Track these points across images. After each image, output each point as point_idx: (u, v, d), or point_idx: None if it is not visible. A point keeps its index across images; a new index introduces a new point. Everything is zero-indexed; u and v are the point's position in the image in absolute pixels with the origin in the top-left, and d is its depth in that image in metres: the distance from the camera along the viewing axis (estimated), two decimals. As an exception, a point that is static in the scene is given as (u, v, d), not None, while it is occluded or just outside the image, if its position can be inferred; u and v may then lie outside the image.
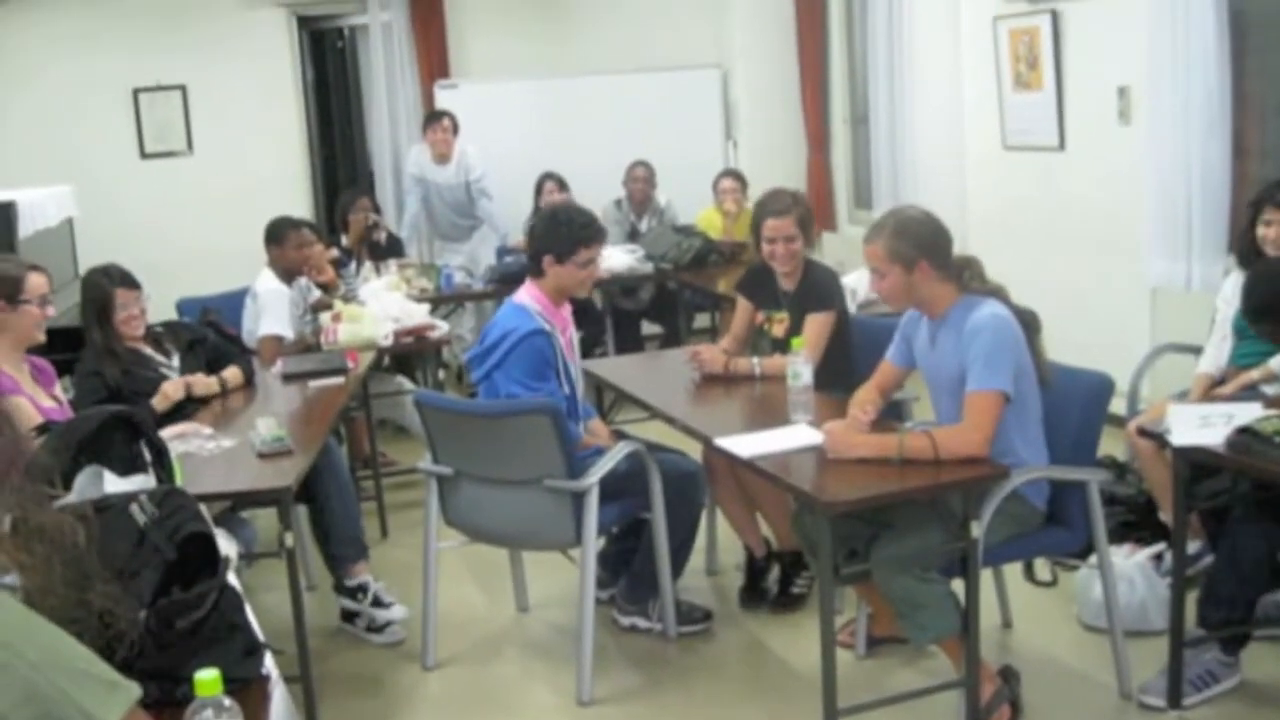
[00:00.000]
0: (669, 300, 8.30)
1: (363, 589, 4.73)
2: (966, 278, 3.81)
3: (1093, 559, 4.11)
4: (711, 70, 9.64)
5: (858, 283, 5.81)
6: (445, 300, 7.55)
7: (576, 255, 4.44)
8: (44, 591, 1.06)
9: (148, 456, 2.71)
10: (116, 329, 4.79)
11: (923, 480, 3.56)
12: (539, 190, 8.29)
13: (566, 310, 4.58)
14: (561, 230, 4.47)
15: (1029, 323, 3.77)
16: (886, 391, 4.11)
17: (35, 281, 4.30)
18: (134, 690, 1.05)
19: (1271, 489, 3.71)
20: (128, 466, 2.62)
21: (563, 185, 8.26)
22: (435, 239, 9.01)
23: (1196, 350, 4.92)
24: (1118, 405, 4.35)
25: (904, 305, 3.91)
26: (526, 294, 4.51)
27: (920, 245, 3.75)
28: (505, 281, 7.04)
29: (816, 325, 4.76)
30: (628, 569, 4.71)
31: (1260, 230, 4.55)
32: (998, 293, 3.81)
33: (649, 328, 8.68)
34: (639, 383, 4.97)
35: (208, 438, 4.31)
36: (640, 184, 8.48)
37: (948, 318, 3.78)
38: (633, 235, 8.39)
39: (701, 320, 8.64)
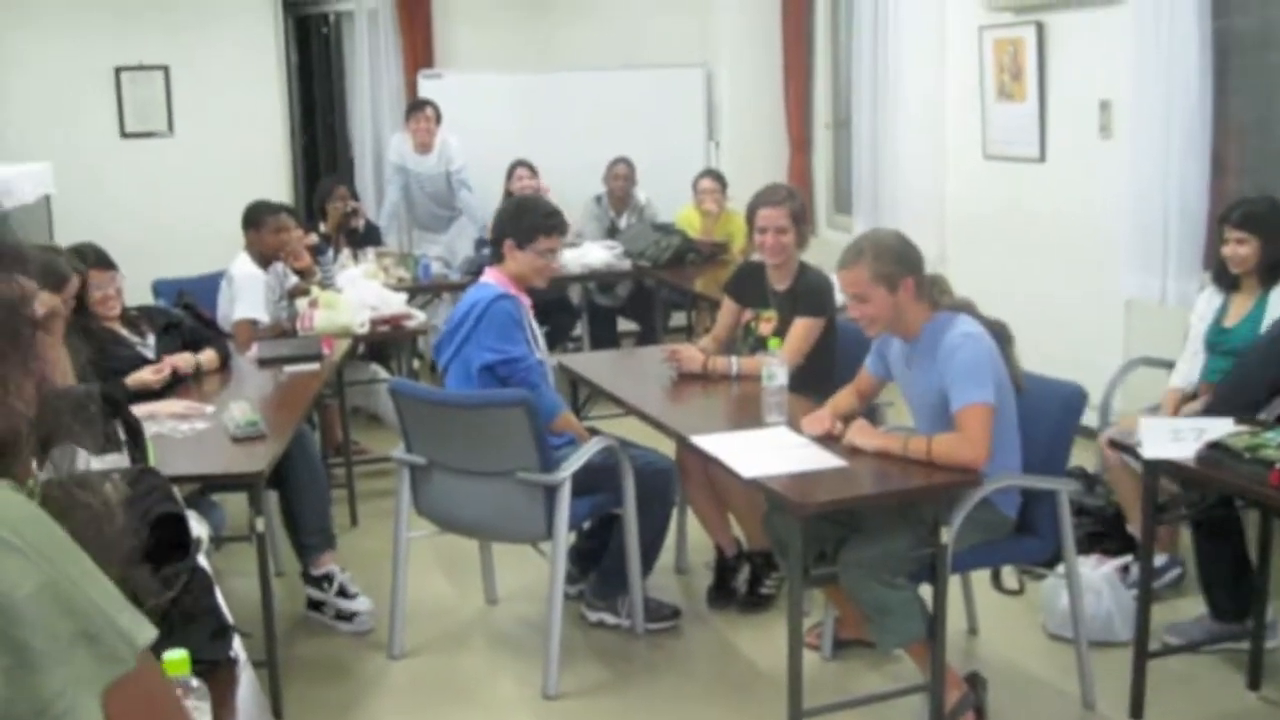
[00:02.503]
0: (646, 298, 8.30)
1: (328, 578, 4.73)
2: (936, 294, 3.83)
3: (1060, 568, 4.13)
4: (696, 70, 9.63)
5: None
6: (422, 290, 7.53)
7: (536, 243, 4.49)
8: None
9: (122, 436, 2.71)
10: (91, 309, 4.77)
11: (894, 485, 3.58)
12: (510, 176, 8.26)
13: (526, 300, 4.60)
14: (525, 218, 4.58)
15: (1000, 333, 3.80)
16: (865, 398, 4.14)
17: (72, 286, 4.33)
18: (153, 629, 1.06)
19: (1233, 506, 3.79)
20: (102, 445, 2.61)
21: (534, 172, 8.25)
22: (414, 228, 8.98)
23: (1169, 364, 4.95)
24: (1089, 417, 4.38)
25: (884, 330, 3.87)
26: (489, 277, 4.58)
27: (902, 263, 3.76)
28: (482, 273, 7.01)
29: (804, 329, 4.76)
30: (597, 565, 4.72)
31: (1223, 250, 4.61)
32: (967, 307, 3.83)
33: (625, 324, 8.69)
34: (614, 379, 4.98)
35: (203, 417, 4.33)
36: (621, 181, 8.48)
37: (921, 338, 3.80)
38: (612, 232, 8.39)
39: (678, 319, 8.63)
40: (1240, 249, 4.55)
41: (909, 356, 3.87)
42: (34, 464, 1.16)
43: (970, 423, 3.59)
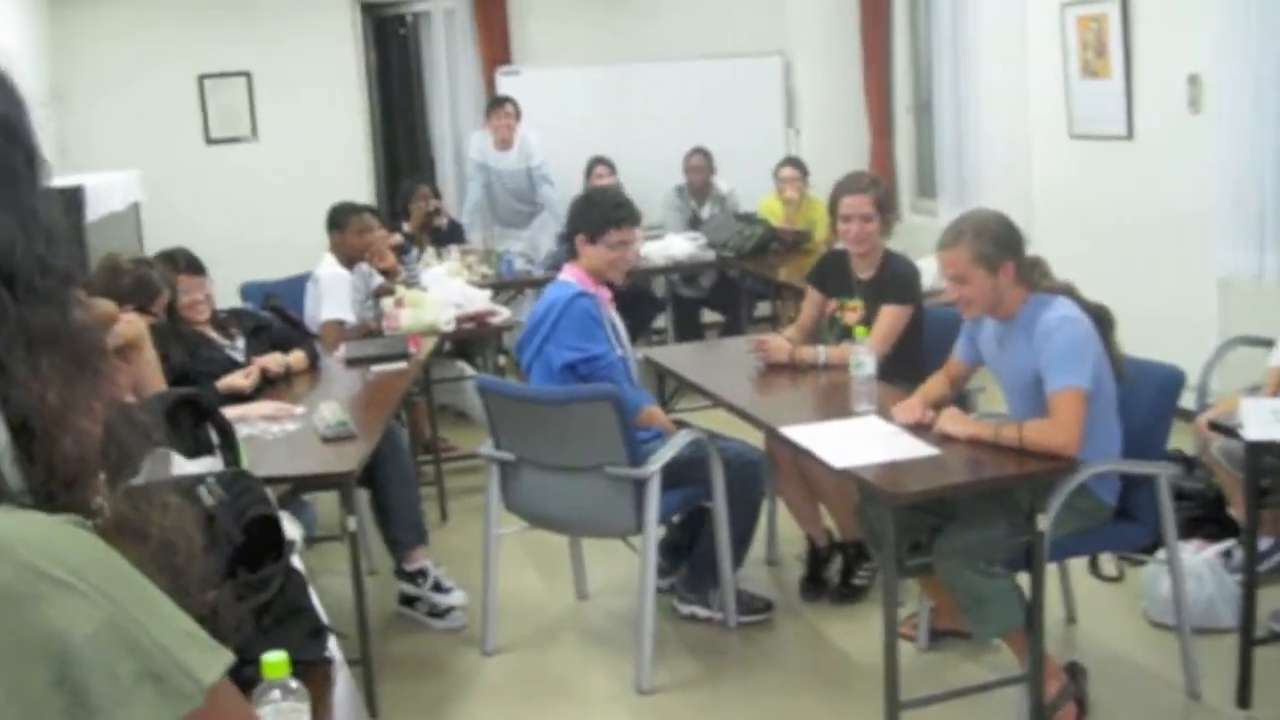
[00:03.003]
0: (730, 288, 8.27)
1: (423, 574, 4.75)
2: (1036, 277, 3.76)
3: (1160, 554, 4.04)
4: (773, 57, 9.58)
5: (925, 270, 5.75)
6: (506, 286, 7.56)
7: (607, 236, 4.49)
8: None
9: (215, 439, 2.72)
10: (181, 314, 4.83)
11: (989, 472, 3.53)
12: (589, 174, 8.29)
13: (606, 293, 4.59)
14: (593, 211, 4.58)
15: (1102, 318, 3.71)
16: (956, 384, 4.09)
17: (164, 298, 4.48)
18: (230, 655, 1.04)
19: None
20: (195, 449, 2.63)
21: (612, 169, 8.26)
22: (496, 225, 9.02)
23: (1268, 343, 4.82)
24: (1186, 399, 4.28)
25: (982, 313, 3.80)
26: (567, 274, 4.59)
27: (1003, 245, 3.69)
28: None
29: (892, 317, 4.71)
30: (688, 558, 4.70)
31: None
32: (1067, 290, 3.75)
33: (709, 315, 8.67)
34: (700, 370, 4.96)
35: (294, 418, 4.35)
36: (697, 172, 8.46)
37: (1017, 319, 3.73)
38: (694, 223, 8.37)
39: (762, 309, 8.61)
40: None
41: (1002, 337, 3.81)
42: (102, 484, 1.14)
43: (1063, 407, 3.53)
